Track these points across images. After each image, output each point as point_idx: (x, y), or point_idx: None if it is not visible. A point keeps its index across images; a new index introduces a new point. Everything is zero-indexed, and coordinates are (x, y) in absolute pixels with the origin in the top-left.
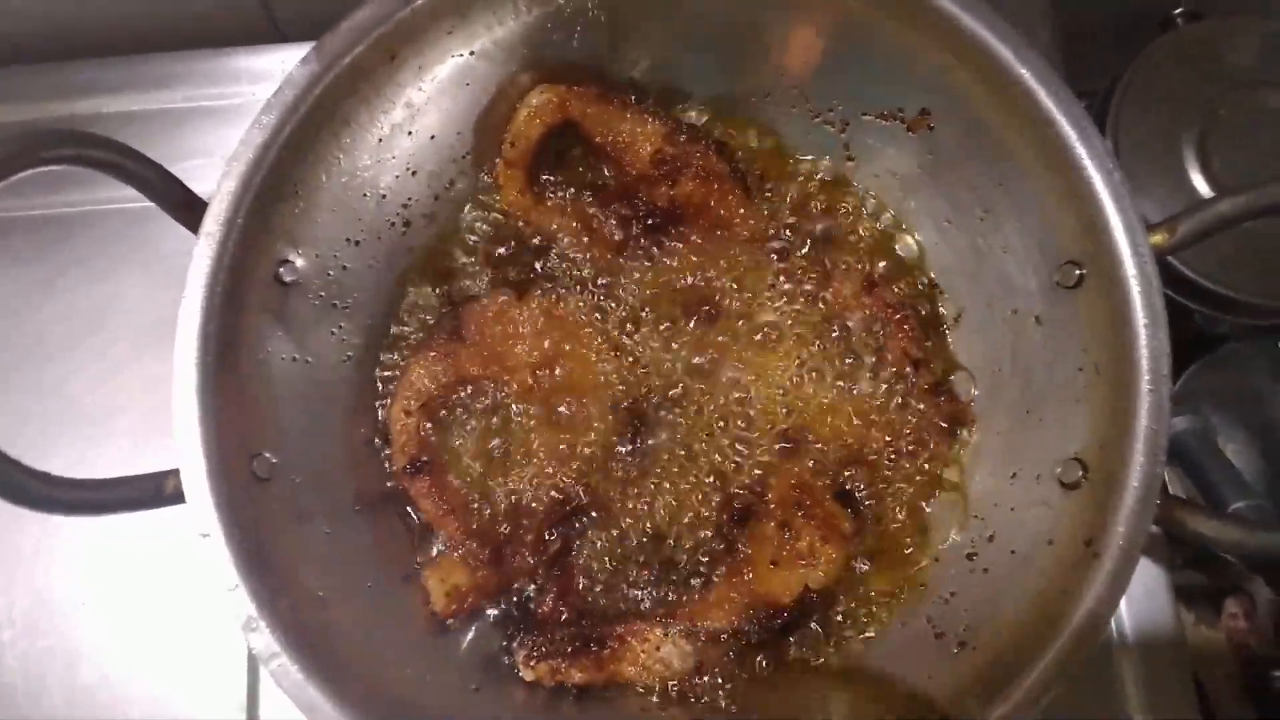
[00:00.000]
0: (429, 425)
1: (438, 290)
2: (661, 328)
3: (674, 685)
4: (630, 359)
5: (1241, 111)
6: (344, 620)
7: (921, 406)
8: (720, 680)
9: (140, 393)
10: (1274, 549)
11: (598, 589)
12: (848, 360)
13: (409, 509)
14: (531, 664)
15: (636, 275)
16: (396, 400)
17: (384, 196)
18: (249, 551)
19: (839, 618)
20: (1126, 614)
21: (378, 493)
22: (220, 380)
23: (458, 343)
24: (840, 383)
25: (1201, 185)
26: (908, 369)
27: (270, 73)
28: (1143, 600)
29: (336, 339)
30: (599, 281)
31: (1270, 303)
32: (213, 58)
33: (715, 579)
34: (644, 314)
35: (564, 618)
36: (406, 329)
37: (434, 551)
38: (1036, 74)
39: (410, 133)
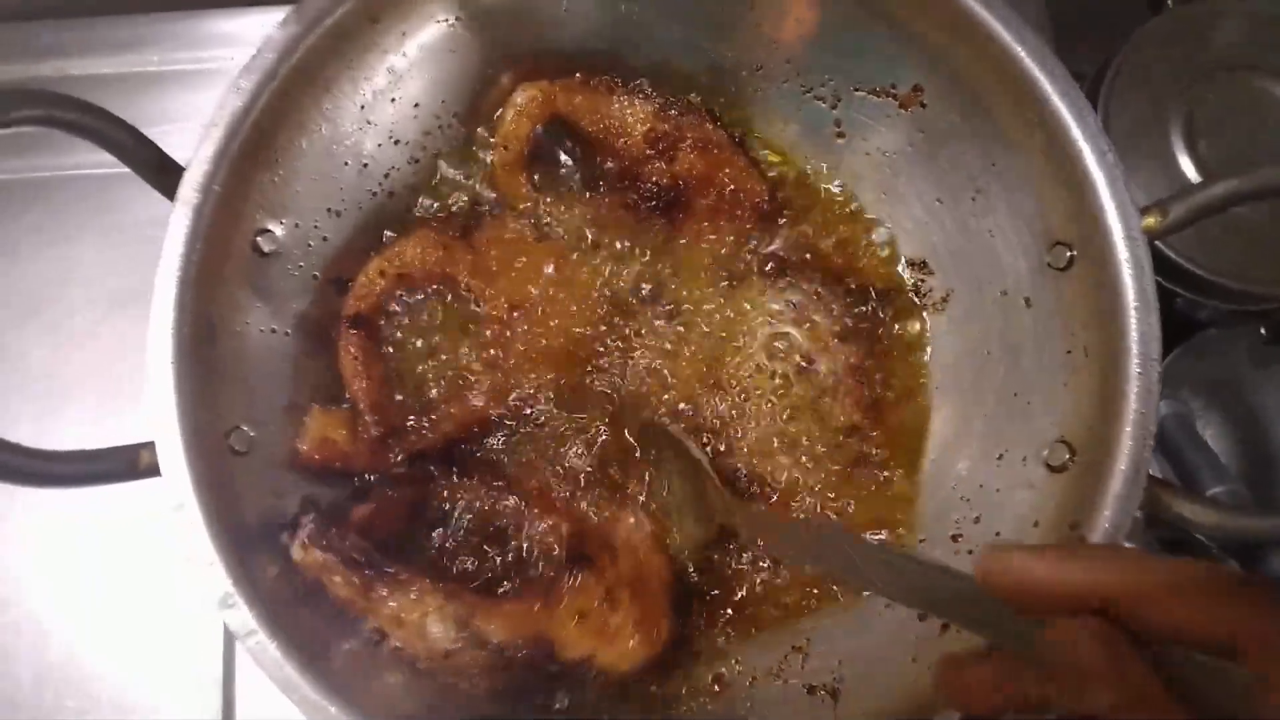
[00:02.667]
0: (391, 298)
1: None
2: (636, 314)
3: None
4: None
5: (1228, 94)
6: (324, 598)
7: (835, 469)
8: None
9: (103, 362)
10: (1251, 533)
11: (428, 526)
12: (795, 394)
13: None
14: (305, 544)
15: (627, 256)
16: (379, 256)
17: (366, 165)
18: (225, 526)
19: None
20: None
21: None
22: (196, 352)
23: (463, 242)
24: (785, 415)
25: (1188, 167)
26: (843, 432)
27: (247, 36)
28: None
29: (315, 310)
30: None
31: (1252, 288)
32: (188, 19)
33: (522, 589)
34: (629, 298)
35: (371, 531)
36: None
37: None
38: (1032, 52)
39: (394, 100)
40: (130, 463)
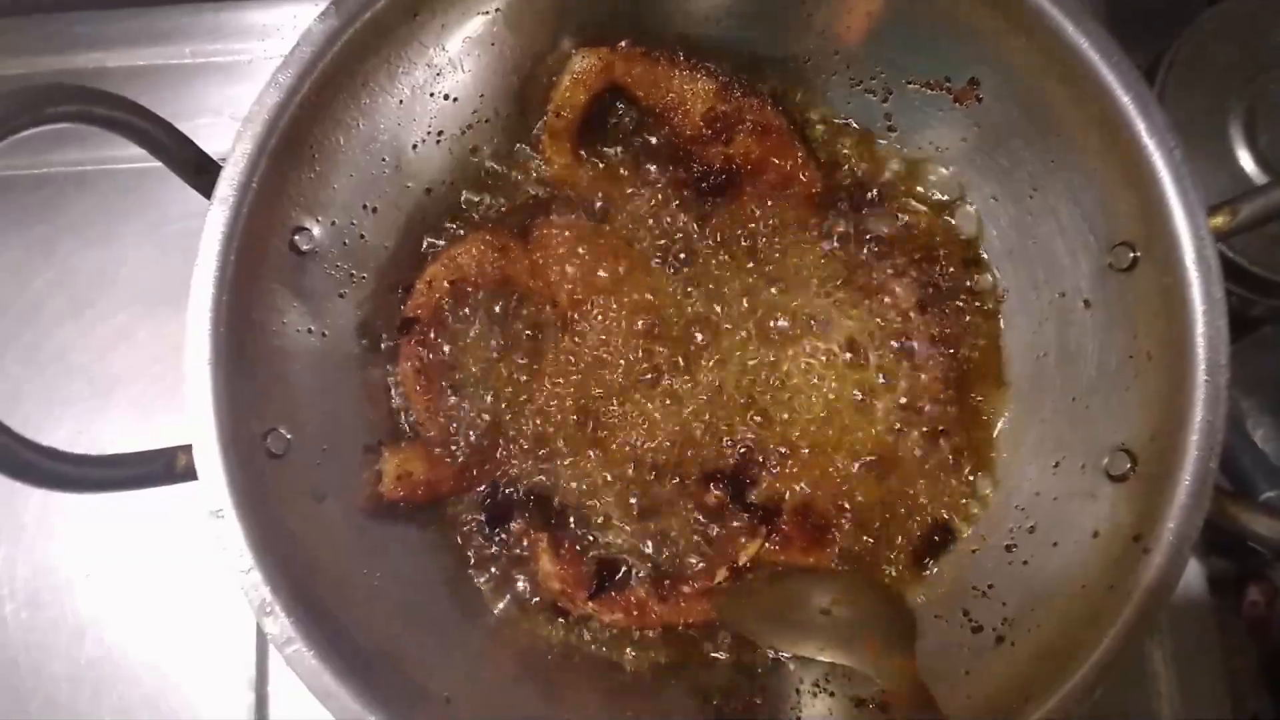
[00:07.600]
0: (451, 305)
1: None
2: (705, 295)
3: None
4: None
5: None
6: (361, 603)
7: (919, 453)
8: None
9: (144, 361)
10: None
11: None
12: (877, 376)
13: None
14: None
15: (680, 237)
16: (436, 261)
17: (404, 161)
18: (263, 531)
19: None
20: None
21: None
22: (233, 353)
23: (520, 242)
24: (859, 395)
25: (1248, 164)
26: (923, 407)
27: (280, 28)
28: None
29: (354, 310)
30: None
31: None
32: (222, 11)
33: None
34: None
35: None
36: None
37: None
38: (1095, 43)
39: (432, 94)
40: (167, 466)
